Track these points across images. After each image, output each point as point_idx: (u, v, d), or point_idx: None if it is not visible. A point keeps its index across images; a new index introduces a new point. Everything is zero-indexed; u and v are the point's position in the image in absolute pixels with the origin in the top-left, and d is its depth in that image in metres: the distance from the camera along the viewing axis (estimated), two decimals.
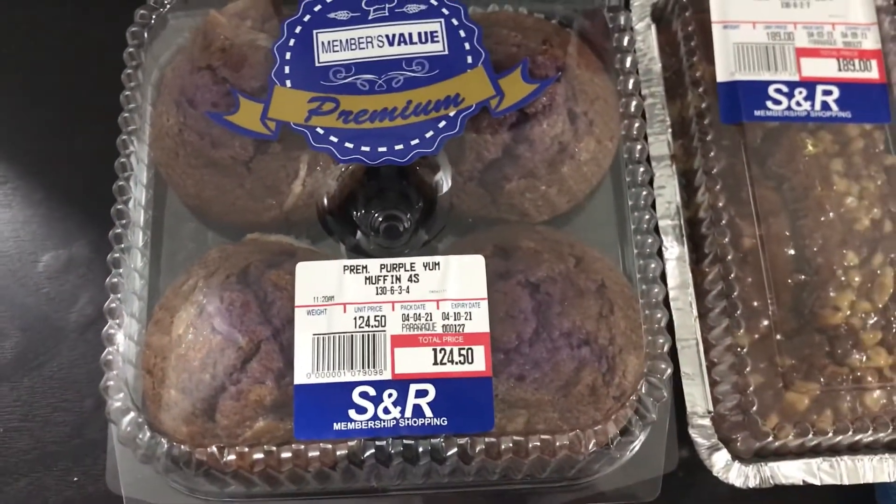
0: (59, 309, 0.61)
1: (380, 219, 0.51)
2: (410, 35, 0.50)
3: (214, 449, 0.43)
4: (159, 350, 0.46)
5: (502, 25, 0.52)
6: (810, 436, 0.50)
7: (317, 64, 0.49)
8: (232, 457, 0.43)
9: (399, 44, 0.49)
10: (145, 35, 0.53)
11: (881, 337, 0.52)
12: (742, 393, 0.50)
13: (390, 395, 0.43)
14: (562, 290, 0.46)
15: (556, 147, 0.50)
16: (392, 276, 0.46)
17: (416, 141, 0.47)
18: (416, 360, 0.44)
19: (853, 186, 0.54)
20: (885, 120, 0.56)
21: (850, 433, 0.50)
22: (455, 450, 0.44)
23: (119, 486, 0.48)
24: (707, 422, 0.52)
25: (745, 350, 0.51)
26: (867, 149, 0.56)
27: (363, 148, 0.47)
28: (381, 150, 0.47)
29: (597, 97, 0.51)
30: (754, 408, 0.50)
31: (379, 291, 0.45)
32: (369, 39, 0.50)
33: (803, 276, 0.53)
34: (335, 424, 0.43)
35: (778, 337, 0.52)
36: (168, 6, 0.54)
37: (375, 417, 0.43)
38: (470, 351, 0.44)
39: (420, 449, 0.44)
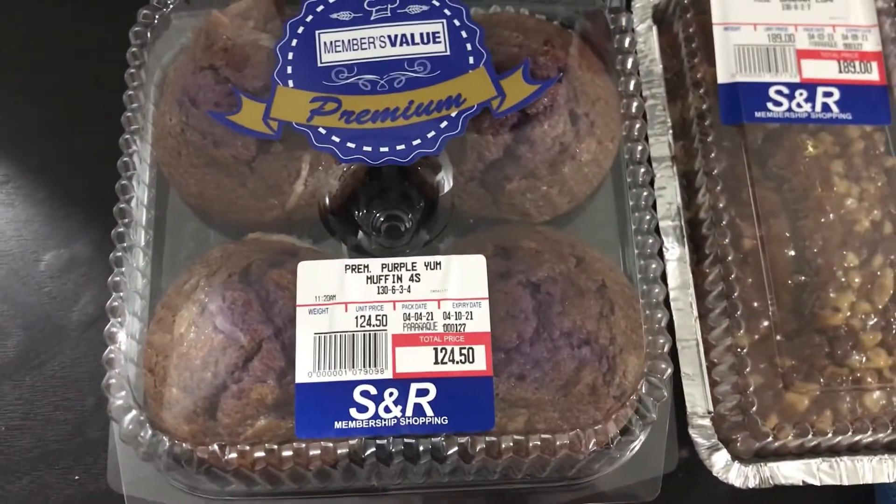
0: (60, 308, 0.62)
1: (381, 219, 0.51)
2: (412, 36, 0.50)
3: (216, 447, 0.44)
4: (161, 348, 0.46)
5: (504, 26, 0.52)
6: (810, 436, 0.50)
7: (319, 64, 0.49)
8: (233, 455, 0.43)
9: (401, 44, 0.50)
10: (148, 35, 0.53)
11: (881, 338, 0.52)
12: (742, 393, 0.51)
13: (391, 394, 0.44)
14: (562, 290, 0.46)
15: (557, 148, 0.50)
16: (393, 275, 0.46)
17: (418, 141, 0.47)
18: (417, 360, 0.44)
19: (853, 188, 0.55)
20: (886, 122, 0.56)
21: (850, 434, 0.50)
22: (455, 449, 0.44)
23: (120, 484, 0.48)
24: (707, 422, 0.52)
25: (745, 351, 0.51)
26: (867, 150, 0.56)
27: (365, 148, 0.47)
28: (382, 150, 0.47)
29: (598, 98, 0.52)
30: (754, 408, 0.50)
31: (380, 291, 0.45)
32: (371, 40, 0.50)
33: (803, 277, 0.53)
34: (336, 423, 0.43)
35: (778, 338, 0.52)
36: (171, 6, 0.54)
37: (376, 416, 0.43)
38: (471, 350, 0.44)
39: (421, 448, 0.44)
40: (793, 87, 0.56)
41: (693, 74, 0.58)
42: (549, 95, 0.49)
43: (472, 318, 0.45)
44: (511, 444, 0.44)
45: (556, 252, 0.48)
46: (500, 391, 0.45)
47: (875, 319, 0.52)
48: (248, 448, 0.43)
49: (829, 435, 0.50)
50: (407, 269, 0.46)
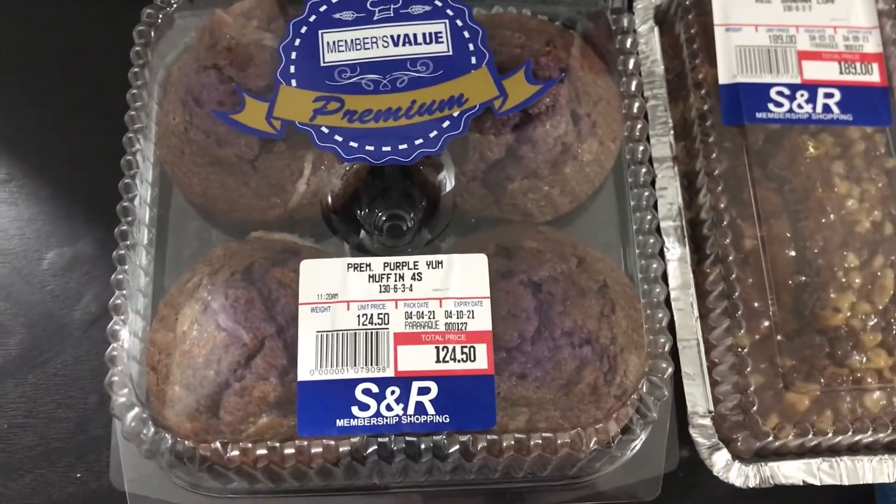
0: (63, 306, 0.62)
1: (383, 218, 0.51)
2: (415, 36, 0.50)
3: (218, 444, 0.44)
4: (164, 347, 0.47)
5: (506, 27, 0.53)
6: (810, 436, 0.50)
7: (322, 64, 0.49)
8: (235, 452, 0.44)
9: (404, 44, 0.50)
10: (152, 34, 0.54)
11: (881, 338, 0.52)
12: (742, 393, 0.51)
13: (393, 393, 0.44)
14: (564, 290, 0.46)
15: (559, 148, 0.50)
16: (395, 274, 0.46)
17: (420, 140, 0.48)
18: (418, 358, 0.44)
19: (854, 189, 0.55)
20: (886, 123, 0.56)
21: (850, 434, 0.50)
22: (457, 447, 0.44)
23: (122, 482, 0.48)
24: (708, 421, 0.52)
25: (745, 350, 0.51)
26: (868, 151, 0.56)
27: (367, 147, 0.47)
28: (385, 149, 0.47)
29: (600, 98, 0.52)
30: (755, 408, 0.50)
31: (382, 289, 0.46)
32: (374, 40, 0.50)
33: (804, 278, 0.53)
34: (338, 421, 0.43)
35: (778, 338, 0.52)
36: (174, 5, 0.54)
37: (378, 414, 0.43)
38: (472, 349, 0.45)
39: (422, 446, 0.44)
40: (794, 88, 0.56)
41: (694, 75, 0.58)
42: (551, 96, 0.50)
43: (473, 317, 0.45)
44: (512, 442, 0.44)
45: (558, 252, 0.48)
46: (502, 390, 0.45)
47: (875, 320, 0.53)
48: (250, 446, 0.44)
49: (830, 435, 0.50)
50: (409, 268, 0.46)
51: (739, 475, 0.51)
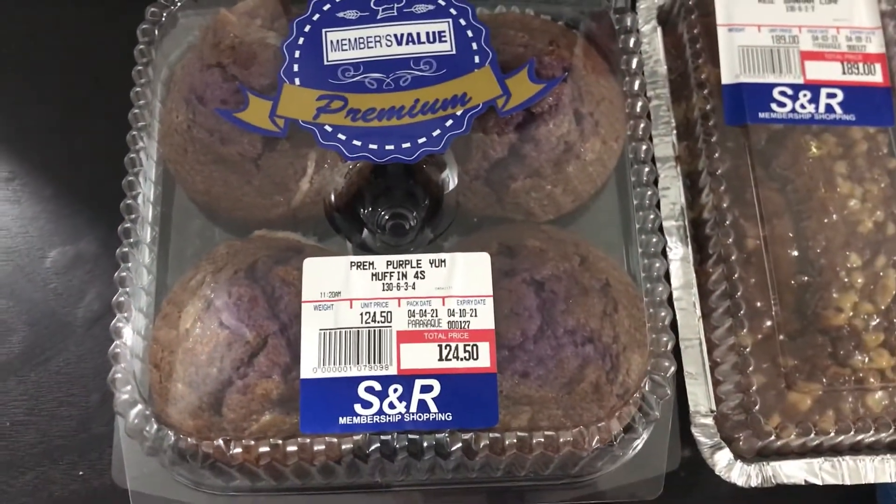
0: (66, 304, 0.62)
1: (386, 217, 0.52)
2: (418, 35, 0.50)
3: (221, 442, 0.44)
4: (167, 344, 0.47)
5: (509, 26, 0.53)
6: (812, 436, 0.50)
7: (325, 62, 0.50)
8: (238, 450, 0.44)
9: (407, 43, 0.50)
10: (156, 32, 0.54)
11: (883, 339, 0.52)
12: (745, 392, 0.51)
13: (396, 390, 0.44)
14: (566, 289, 0.46)
15: (561, 147, 0.50)
16: (398, 272, 0.46)
17: (423, 139, 0.48)
18: (421, 356, 0.44)
19: (856, 189, 0.55)
20: (889, 123, 0.56)
21: (852, 433, 0.50)
22: (459, 445, 0.44)
23: (125, 479, 0.48)
24: (710, 421, 0.52)
25: (748, 350, 0.51)
26: (871, 152, 0.56)
27: (371, 146, 0.48)
28: (388, 148, 0.48)
29: (602, 98, 0.52)
30: (757, 407, 0.50)
31: (385, 287, 0.46)
32: (378, 39, 0.50)
33: (806, 278, 0.53)
34: (341, 419, 0.43)
35: (781, 337, 0.52)
36: (178, 4, 0.55)
37: (381, 412, 0.44)
38: (475, 347, 0.45)
39: (425, 444, 0.44)
40: (796, 88, 0.56)
41: (697, 75, 0.58)
42: (554, 95, 0.50)
43: (476, 316, 0.45)
44: (515, 440, 0.44)
45: (561, 251, 0.48)
46: (504, 388, 0.45)
47: (878, 320, 0.53)
48: (252, 443, 0.44)
49: (832, 434, 0.50)
50: (412, 267, 0.46)
51: (741, 475, 0.51)
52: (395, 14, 0.51)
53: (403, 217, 0.52)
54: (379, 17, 0.51)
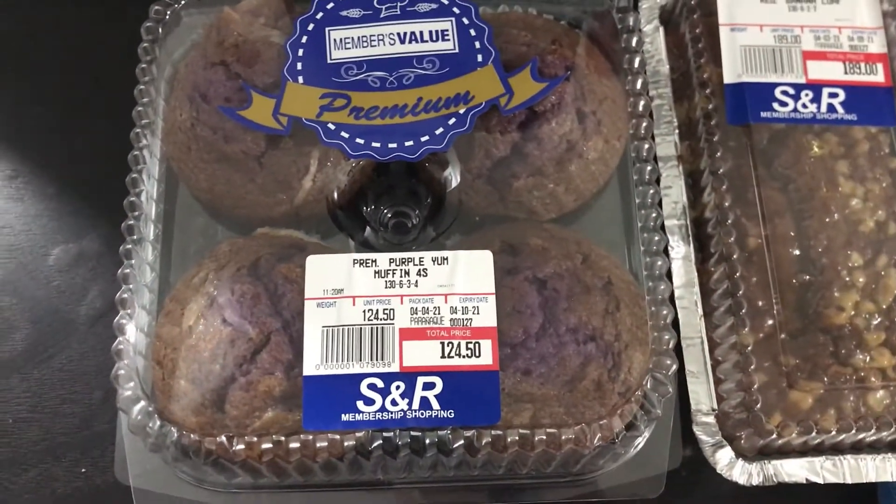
0: (69, 302, 0.62)
1: (389, 215, 0.52)
2: (421, 33, 0.50)
3: (224, 438, 0.44)
4: (170, 341, 0.47)
5: (512, 25, 0.53)
6: (814, 434, 0.50)
7: (329, 61, 0.50)
8: (241, 446, 0.44)
9: (410, 42, 0.50)
10: (159, 30, 0.54)
11: (885, 338, 0.52)
12: (746, 391, 0.51)
13: (398, 388, 0.44)
14: (569, 287, 0.46)
15: (564, 145, 0.50)
16: (401, 270, 0.46)
17: (426, 137, 0.48)
18: (423, 353, 0.44)
19: (858, 188, 0.55)
20: (891, 123, 0.56)
21: (854, 432, 0.50)
22: (462, 442, 0.44)
23: (127, 476, 0.48)
24: (711, 419, 0.52)
25: (749, 349, 0.51)
26: (872, 151, 0.56)
27: (374, 144, 0.48)
28: (391, 146, 0.48)
29: (605, 97, 0.52)
30: (758, 406, 0.50)
31: (388, 285, 0.46)
32: (381, 37, 0.50)
33: (808, 277, 0.53)
34: (343, 415, 0.44)
35: (782, 336, 0.52)
36: (182, 2, 0.55)
37: (383, 409, 0.44)
38: (477, 345, 0.45)
39: (427, 441, 0.44)
40: (798, 87, 0.56)
41: (699, 75, 0.58)
42: (557, 94, 0.50)
43: (478, 313, 0.45)
44: (517, 437, 0.44)
45: (563, 249, 0.48)
46: (506, 386, 0.45)
47: (879, 319, 0.53)
48: (255, 439, 0.44)
49: (833, 433, 0.50)
50: (414, 264, 0.46)
51: (743, 473, 0.51)
52: (398, 13, 0.51)
53: (406, 215, 0.52)
54: (382, 15, 0.51)
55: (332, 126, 0.48)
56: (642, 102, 0.52)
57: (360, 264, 0.46)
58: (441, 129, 0.48)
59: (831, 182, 0.55)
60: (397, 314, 0.45)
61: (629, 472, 0.50)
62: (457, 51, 0.50)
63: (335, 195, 0.51)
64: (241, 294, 0.46)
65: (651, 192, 0.50)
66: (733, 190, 0.55)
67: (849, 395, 0.52)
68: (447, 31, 0.50)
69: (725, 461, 0.51)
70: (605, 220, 0.54)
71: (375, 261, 0.46)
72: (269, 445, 0.44)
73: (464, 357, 0.44)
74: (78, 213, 0.65)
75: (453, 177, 0.51)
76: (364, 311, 0.45)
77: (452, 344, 0.45)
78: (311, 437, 0.44)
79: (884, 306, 0.53)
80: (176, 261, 0.52)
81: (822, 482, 0.51)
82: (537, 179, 0.51)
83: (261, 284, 0.46)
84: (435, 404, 0.44)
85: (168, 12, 0.54)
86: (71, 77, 0.69)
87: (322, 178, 0.50)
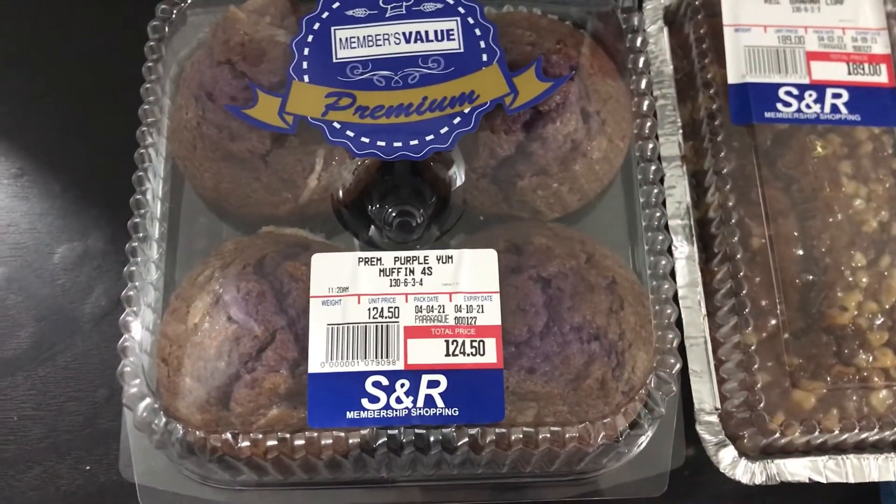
0: (73, 300, 0.62)
1: (393, 213, 0.52)
2: (427, 33, 0.50)
3: (229, 435, 0.44)
4: (175, 339, 0.47)
5: (517, 25, 0.53)
6: (816, 434, 0.50)
7: (334, 60, 0.50)
8: (246, 443, 0.44)
9: (415, 41, 0.50)
10: (166, 29, 0.54)
11: (888, 338, 0.53)
12: (749, 390, 0.51)
13: (403, 385, 0.44)
14: (573, 286, 0.47)
15: (568, 145, 0.50)
16: (406, 268, 0.46)
17: (431, 136, 0.48)
18: (428, 352, 0.45)
19: (861, 189, 0.55)
20: (894, 124, 0.57)
21: (857, 432, 0.50)
22: (466, 440, 0.44)
23: (132, 473, 0.49)
24: (714, 419, 0.52)
25: (752, 348, 0.52)
26: (875, 152, 0.56)
27: (379, 143, 0.48)
28: (396, 144, 0.48)
29: (609, 97, 0.52)
30: (761, 405, 0.50)
31: (393, 283, 0.46)
32: (386, 36, 0.50)
33: (811, 276, 0.53)
34: (348, 413, 0.44)
35: (785, 336, 0.52)
36: (188, 2, 0.55)
37: (388, 407, 0.44)
38: (482, 343, 0.45)
39: (431, 438, 0.44)
40: (802, 88, 0.56)
41: (703, 75, 0.58)
42: (562, 93, 0.50)
43: (483, 312, 0.45)
44: (521, 435, 0.44)
45: (567, 248, 0.48)
46: (510, 384, 0.45)
47: (882, 319, 0.53)
48: (260, 436, 0.44)
49: (836, 433, 0.50)
50: (419, 263, 0.46)
51: (746, 472, 0.51)
52: (404, 12, 0.51)
53: (410, 214, 0.52)
54: (387, 15, 0.51)
55: (337, 125, 0.48)
56: (646, 102, 0.52)
57: (365, 263, 0.46)
58: (446, 129, 0.48)
59: (835, 182, 0.55)
60: (402, 312, 0.45)
61: (632, 471, 0.50)
62: (462, 50, 0.50)
63: (340, 194, 0.51)
64: (246, 292, 0.46)
65: (655, 191, 0.50)
66: (737, 190, 0.55)
67: (852, 394, 0.52)
68: (452, 30, 0.50)
69: (728, 460, 0.52)
70: (609, 220, 0.54)
71: (380, 259, 0.46)
72: (275, 443, 0.44)
73: (468, 355, 0.45)
74: (83, 212, 0.65)
75: (458, 176, 0.51)
76: (369, 310, 0.45)
77: (457, 342, 0.45)
78: (315, 434, 0.44)
79: (887, 306, 0.53)
80: (181, 259, 0.52)
81: (825, 482, 0.51)
82: (541, 179, 0.51)
83: (266, 282, 0.46)
84: (439, 402, 0.44)
85: (174, 11, 0.55)
86: (77, 75, 0.69)
87: (327, 176, 0.51)
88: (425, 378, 0.44)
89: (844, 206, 0.55)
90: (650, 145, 0.51)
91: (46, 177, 0.66)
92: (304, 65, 0.50)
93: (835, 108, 0.56)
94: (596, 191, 0.53)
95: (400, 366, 0.44)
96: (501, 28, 0.51)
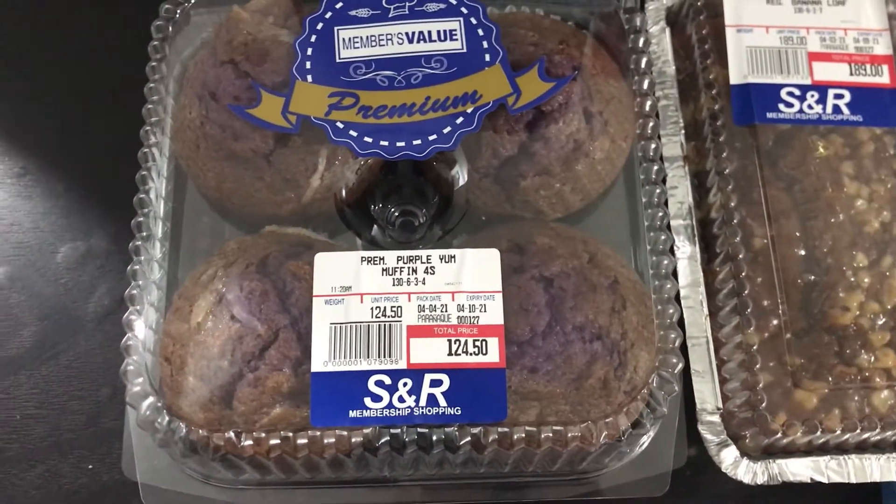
0: (76, 299, 0.62)
1: (396, 213, 0.52)
2: (430, 33, 0.50)
3: (232, 434, 0.44)
4: (178, 337, 0.47)
5: (520, 25, 0.53)
6: (818, 434, 0.50)
7: (337, 60, 0.50)
8: (249, 442, 0.44)
9: (418, 41, 0.50)
10: (169, 29, 0.54)
11: (889, 338, 0.53)
12: (751, 390, 0.51)
13: (405, 384, 0.44)
14: (575, 285, 0.47)
15: (571, 145, 0.51)
16: (408, 267, 0.46)
17: (434, 136, 0.48)
18: (431, 351, 0.45)
19: (863, 189, 0.55)
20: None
21: (858, 432, 0.50)
22: (468, 439, 0.44)
23: (135, 472, 0.49)
24: (716, 418, 0.52)
25: (754, 348, 0.52)
26: (877, 152, 0.56)
27: (382, 142, 0.48)
28: (399, 144, 0.48)
29: (612, 97, 0.52)
30: (763, 405, 0.51)
31: (395, 283, 0.46)
32: (389, 37, 0.50)
33: (813, 277, 0.53)
34: (351, 412, 0.44)
35: (787, 336, 0.52)
36: (192, 2, 0.55)
37: (390, 406, 0.44)
38: (484, 342, 0.45)
39: (434, 437, 0.44)
40: (804, 88, 0.56)
41: (706, 76, 0.58)
42: (564, 93, 0.50)
43: (485, 311, 0.45)
44: (523, 435, 0.44)
45: (569, 248, 0.49)
46: (513, 383, 0.45)
47: (884, 320, 0.53)
48: (263, 435, 0.44)
49: (838, 433, 0.50)
50: (422, 262, 0.47)
51: (747, 472, 0.51)
52: (407, 12, 0.51)
53: (413, 214, 0.52)
54: (390, 15, 0.51)
55: (340, 125, 0.48)
56: (649, 102, 0.52)
57: (368, 262, 0.46)
58: (449, 128, 0.48)
59: (836, 183, 0.55)
60: (405, 312, 0.45)
61: (634, 471, 0.50)
62: (464, 50, 0.50)
63: (343, 193, 0.51)
64: (249, 291, 0.46)
65: (657, 191, 0.50)
66: (739, 190, 0.55)
67: (853, 394, 0.52)
68: (455, 30, 0.51)
69: (730, 460, 0.52)
70: (612, 220, 0.54)
71: (383, 258, 0.47)
72: (277, 441, 0.44)
73: (471, 355, 0.45)
74: (86, 211, 0.65)
75: (460, 176, 0.51)
76: (372, 309, 0.45)
77: (459, 341, 0.45)
78: (318, 433, 0.44)
79: (889, 307, 0.53)
80: (184, 258, 0.52)
81: (827, 482, 0.51)
82: (544, 179, 0.51)
83: (269, 281, 0.46)
84: (442, 401, 0.44)
85: (178, 11, 0.55)
86: (80, 75, 0.69)
87: (330, 176, 0.51)
88: (428, 377, 0.44)
89: (846, 207, 0.55)
90: (652, 145, 0.51)
91: (49, 176, 0.66)
92: (308, 65, 0.50)
93: (837, 109, 0.56)
94: (598, 191, 0.53)
95: (402, 365, 0.44)
96: (504, 28, 0.51)
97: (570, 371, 0.45)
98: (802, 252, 0.54)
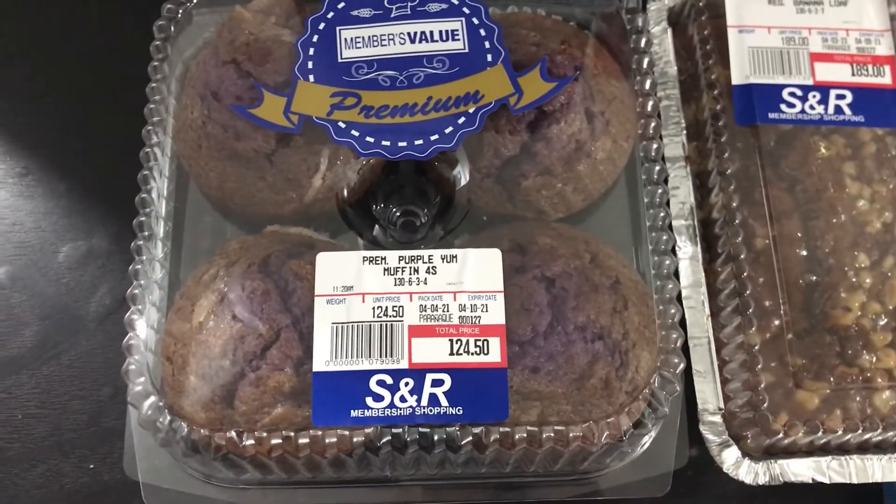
0: (78, 299, 0.62)
1: (398, 213, 0.52)
2: (432, 33, 0.51)
3: (233, 433, 0.44)
4: (179, 337, 0.47)
5: (522, 25, 0.53)
6: (820, 434, 0.50)
7: (339, 60, 0.50)
8: (250, 441, 0.44)
9: (420, 41, 0.50)
10: (171, 29, 0.54)
11: (891, 339, 0.53)
12: (753, 391, 0.51)
13: (407, 384, 0.44)
14: (577, 285, 0.47)
15: (573, 145, 0.51)
16: (410, 267, 0.46)
17: (436, 136, 0.48)
18: (432, 350, 0.45)
19: (865, 189, 0.55)
20: None
21: (860, 432, 0.50)
22: (470, 438, 0.44)
23: (136, 471, 0.49)
24: (718, 419, 0.52)
25: (756, 348, 0.52)
26: (879, 153, 0.56)
27: (384, 142, 0.48)
28: (401, 144, 0.48)
29: (613, 97, 0.52)
30: (765, 405, 0.51)
31: (397, 282, 0.46)
32: (391, 36, 0.51)
33: (815, 277, 0.53)
34: (352, 411, 0.44)
35: (789, 336, 0.52)
36: (194, 2, 0.55)
37: (392, 405, 0.44)
38: (486, 342, 0.45)
39: (435, 437, 0.44)
40: (806, 89, 0.56)
41: (707, 76, 0.58)
42: (566, 93, 0.50)
43: (487, 311, 0.45)
44: (525, 434, 0.44)
45: (571, 248, 0.49)
46: (514, 383, 0.45)
47: (885, 320, 0.53)
48: (265, 435, 0.44)
49: (840, 433, 0.50)
50: (423, 262, 0.47)
51: (749, 472, 0.51)
52: (409, 12, 0.51)
53: (415, 214, 0.52)
54: (392, 15, 0.51)
55: (342, 124, 0.48)
56: (651, 102, 0.52)
57: (370, 262, 0.46)
58: (450, 128, 0.48)
59: (838, 183, 0.55)
60: (406, 311, 0.45)
61: (635, 471, 0.50)
62: (466, 50, 0.50)
63: (345, 193, 0.51)
64: (251, 290, 0.46)
65: (659, 191, 0.50)
66: (741, 190, 0.55)
67: (855, 395, 0.52)
68: (457, 30, 0.51)
69: (732, 460, 0.52)
70: (613, 220, 0.54)
71: (385, 258, 0.47)
72: (279, 441, 0.44)
73: (472, 354, 0.45)
74: (88, 211, 0.65)
75: (462, 176, 0.51)
76: (373, 309, 0.45)
77: (461, 341, 0.45)
78: (320, 432, 0.44)
79: (890, 307, 0.53)
80: (186, 258, 0.52)
81: (828, 482, 0.51)
82: (546, 179, 0.51)
83: (271, 281, 0.46)
84: (443, 401, 0.44)
85: (180, 11, 0.55)
86: (82, 75, 0.69)
87: (332, 176, 0.51)
88: (429, 377, 0.44)
89: (848, 207, 0.55)
90: (654, 146, 0.51)
91: (51, 176, 0.66)
92: (310, 64, 0.50)
93: (838, 109, 0.56)
94: (600, 191, 0.53)
95: (404, 365, 0.44)
96: (506, 28, 0.51)
97: (571, 371, 0.45)
98: (804, 252, 0.54)
